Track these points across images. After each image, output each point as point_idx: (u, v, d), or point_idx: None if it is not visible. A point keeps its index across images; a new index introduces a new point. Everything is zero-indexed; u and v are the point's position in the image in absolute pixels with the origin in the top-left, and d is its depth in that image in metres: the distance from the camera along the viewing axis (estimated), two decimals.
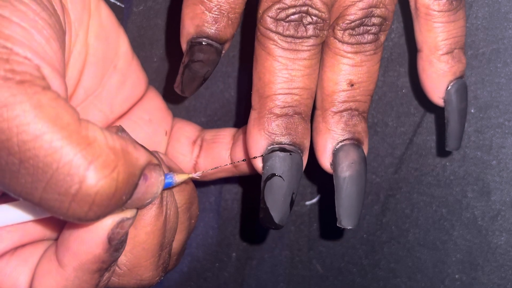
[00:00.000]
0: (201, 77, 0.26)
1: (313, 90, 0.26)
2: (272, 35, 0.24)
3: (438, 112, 0.34)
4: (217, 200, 0.36)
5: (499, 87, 0.33)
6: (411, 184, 0.35)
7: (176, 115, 0.35)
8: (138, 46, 0.34)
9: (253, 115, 0.26)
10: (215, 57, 0.25)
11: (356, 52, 0.26)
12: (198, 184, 0.36)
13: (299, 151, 0.25)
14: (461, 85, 0.28)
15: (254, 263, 0.37)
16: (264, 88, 0.25)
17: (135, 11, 0.33)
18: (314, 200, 0.36)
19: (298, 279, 0.37)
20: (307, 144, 0.26)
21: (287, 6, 0.24)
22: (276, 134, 0.25)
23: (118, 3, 0.31)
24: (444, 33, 0.27)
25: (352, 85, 0.26)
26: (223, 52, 0.26)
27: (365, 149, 0.27)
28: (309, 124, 0.26)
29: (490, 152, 0.34)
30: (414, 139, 0.34)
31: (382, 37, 0.26)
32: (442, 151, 0.34)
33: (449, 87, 0.28)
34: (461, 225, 0.35)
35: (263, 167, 0.25)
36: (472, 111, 0.34)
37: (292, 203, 0.26)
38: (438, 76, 0.28)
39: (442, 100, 0.29)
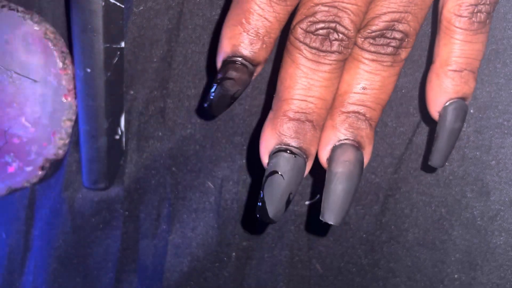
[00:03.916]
0: (231, 95, 0.27)
1: (328, 102, 0.27)
2: (299, 44, 0.26)
3: None
4: (217, 200, 0.36)
5: (499, 88, 0.33)
6: (410, 184, 0.35)
7: (176, 115, 0.35)
8: (138, 46, 0.34)
9: (270, 115, 0.27)
10: (247, 77, 0.27)
11: (373, 60, 0.27)
12: (198, 183, 0.36)
13: (304, 156, 0.27)
14: (460, 105, 0.29)
15: (254, 263, 0.37)
16: (283, 92, 0.27)
17: (135, 11, 0.33)
18: (314, 200, 0.36)
19: (297, 278, 0.37)
20: (313, 151, 0.27)
21: (317, 20, 0.25)
22: (285, 135, 0.26)
23: (118, 4, 0.31)
24: (458, 50, 0.28)
25: (364, 89, 0.27)
26: (255, 74, 0.27)
27: (367, 155, 0.28)
28: (319, 134, 0.27)
29: (489, 152, 0.34)
30: (414, 139, 0.34)
31: (403, 54, 0.27)
32: None
33: (447, 104, 0.29)
34: (460, 225, 0.35)
35: (268, 163, 0.27)
36: (472, 111, 0.34)
37: (288, 202, 0.27)
38: (440, 90, 0.29)
39: (438, 114, 0.29)
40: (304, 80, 0.26)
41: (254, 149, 0.35)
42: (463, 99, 0.29)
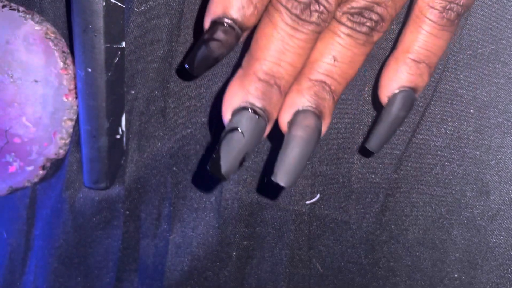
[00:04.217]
0: (214, 57, 0.27)
1: (297, 71, 0.27)
2: (281, 7, 0.26)
3: (438, 112, 0.34)
4: (218, 200, 0.36)
5: (498, 87, 0.33)
6: (410, 183, 0.35)
7: (176, 115, 0.35)
8: (139, 46, 0.34)
9: (239, 73, 0.28)
10: (233, 41, 0.27)
11: (348, 35, 0.28)
12: (198, 183, 0.36)
13: (266, 118, 0.27)
14: (409, 95, 0.29)
15: (255, 262, 0.37)
16: (256, 51, 0.27)
17: (136, 11, 0.33)
18: (314, 200, 0.36)
19: (298, 278, 0.37)
20: (275, 115, 0.28)
21: None
22: (252, 95, 0.27)
23: (119, 4, 0.31)
24: (422, 41, 0.29)
25: (335, 60, 0.28)
26: (241, 40, 0.27)
27: (324, 127, 0.28)
28: (283, 100, 0.28)
29: (489, 151, 0.34)
30: (413, 139, 0.34)
31: (375, 37, 0.28)
32: (441, 150, 0.34)
33: (397, 91, 0.29)
34: (460, 225, 0.35)
35: (231, 119, 0.27)
36: (471, 111, 0.34)
37: (242, 161, 0.27)
38: (395, 75, 0.29)
39: (387, 99, 0.30)
40: (280, 44, 0.26)
41: (254, 149, 0.35)
42: (414, 90, 0.29)
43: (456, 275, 0.36)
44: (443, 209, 0.35)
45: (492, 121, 0.34)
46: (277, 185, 0.27)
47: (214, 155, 0.26)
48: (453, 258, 0.36)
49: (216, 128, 0.35)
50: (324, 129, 0.28)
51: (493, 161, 0.34)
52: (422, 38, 0.29)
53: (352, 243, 0.36)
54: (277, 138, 0.29)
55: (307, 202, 0.36)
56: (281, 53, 0.27)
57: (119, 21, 0.32)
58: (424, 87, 0.30)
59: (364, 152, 0.34)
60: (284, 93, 0.28)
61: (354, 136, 0.35)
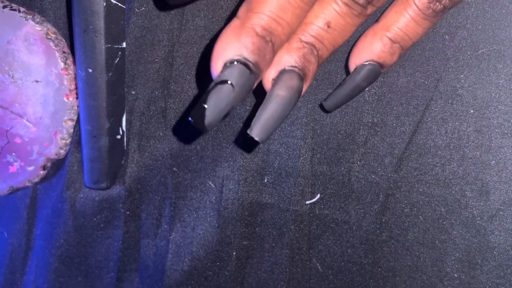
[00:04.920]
0: None
1: (292, 32, 0.27)
2: None
3: (438, 112, 0.34)
4: (218, 200, 0.36)
5: (499, 88, 0.33)
6: (410, 183, 0.35)
7: (177, 115, 0.35)
8: (140, 47, 0.34)
9: (235, 23, 0.26)
10: None
11: (345, 3, 0.28)
12: (199, 183, 0.36)
13: (257, 75, 0.26)
14: (375, 70, 0.30)
15: (255, 262, 0.37)
16: (257, 3, 0.26)
17: (136, 12, 0.33)
18: (314, 200, 0.36)
19: (298, 278, 0.37)
20: (264, 73, 0.27)
21: None
22: (248, 49, 0.26)
23: (120, 4, 0.31)
24: (403, 23, 0.29)
25: (328, 26, 0.28)
26: None
27: (304, 88, 0.29)
28: (273, 59, 0.27)
29: (489, 152, 0.34)
30: (414, 139, 0.34)
31: (369, 10, 0.28)
32: (441, 151, 0.34)
33: (366, 62, 0.30)
34: (460, 225, 0.35)
35: (222, 70, 0.26)
36: (472, 111, 0.34)
37: (226, 116, 0.26)
38: (369, 47, 0.30)
39: (354, 67, 0.31)
40: (282, 0, 0.26)
41: (255, 149, 0.35)
42: (381, 66, 0.30)
43: (455, 275, 0.36)
44: (443, 209, 0.35)
45: (492, 122, 0.34)
46: (252, 139, 0.26)
47: (199, 104, 0.25)
48: (453, 258, 0.36)
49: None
50: (303, 90, 0.29)
51: (493, 161, 0.34)
52: (404, 21, 0.29)
53: (352, 243, 0.36)
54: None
55: (307, 202, 0.36)
56: (281, 10, 0.26)
57: (119, 22, 0.32)
58: (391, 66, 0.31)
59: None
60: (275, 53, 0.27)
61: (354, 136, 0.35)
